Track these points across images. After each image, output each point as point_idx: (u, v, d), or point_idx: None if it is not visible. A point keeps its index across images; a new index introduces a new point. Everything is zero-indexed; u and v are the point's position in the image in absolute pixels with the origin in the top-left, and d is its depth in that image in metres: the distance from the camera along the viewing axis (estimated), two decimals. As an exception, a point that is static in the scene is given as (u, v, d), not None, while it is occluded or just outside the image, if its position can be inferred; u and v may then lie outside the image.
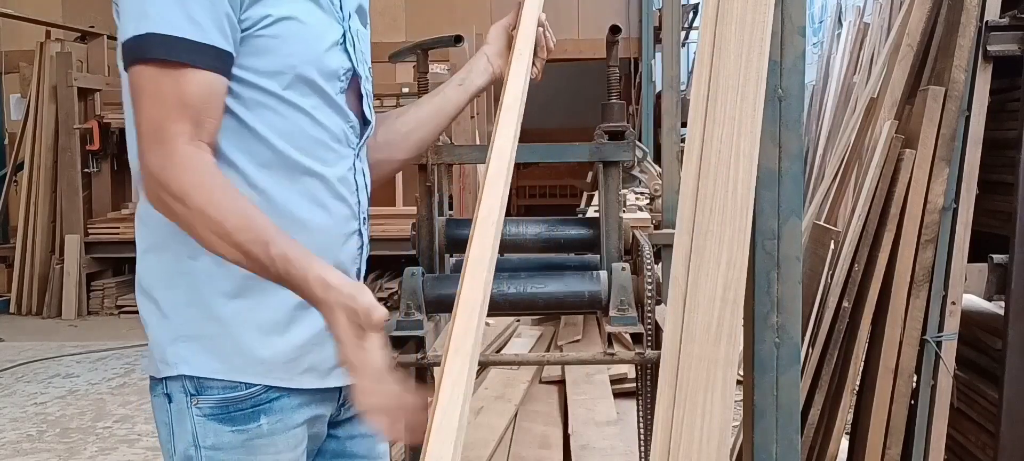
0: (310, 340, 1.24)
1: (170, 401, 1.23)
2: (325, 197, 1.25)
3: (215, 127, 1.13)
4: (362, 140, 1.33)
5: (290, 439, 1.25)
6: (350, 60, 1.26)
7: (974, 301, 2.62)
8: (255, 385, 1.21)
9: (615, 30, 1.88)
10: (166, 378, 1.22)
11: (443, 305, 1.78)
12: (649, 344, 1.74)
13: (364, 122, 1.33)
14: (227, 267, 1.17)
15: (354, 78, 1.28)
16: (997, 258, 2.29)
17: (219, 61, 1.11)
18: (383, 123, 1.46)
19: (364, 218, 1.34)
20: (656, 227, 3.86)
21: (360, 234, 1.33)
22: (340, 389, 1.32)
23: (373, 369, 1.06)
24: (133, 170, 1.23)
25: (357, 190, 1.31)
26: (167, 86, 1.08)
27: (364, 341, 1.05)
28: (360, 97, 1.31)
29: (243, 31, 1.14)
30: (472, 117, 7.53)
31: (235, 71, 1.15)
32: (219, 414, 1.20)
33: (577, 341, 4.64)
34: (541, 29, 1.47)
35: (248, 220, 1.08)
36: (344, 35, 1.26)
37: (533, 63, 1.42)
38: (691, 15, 8.76)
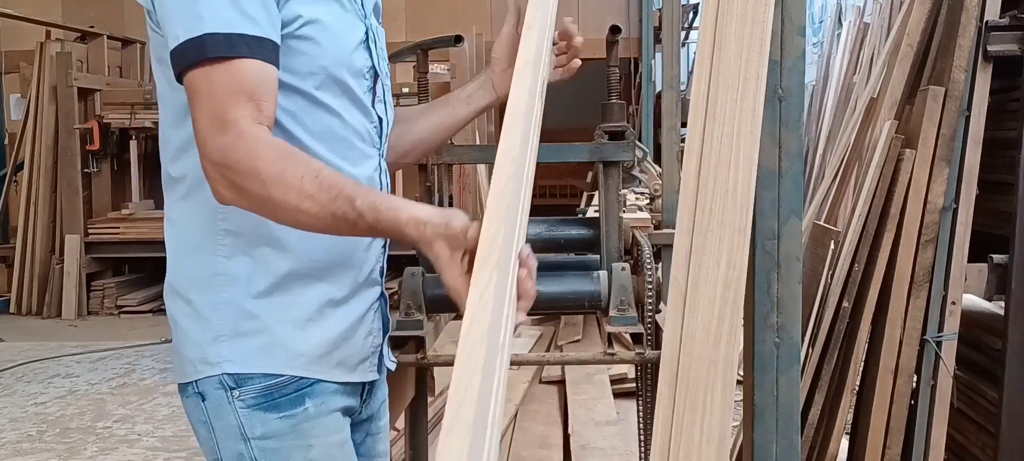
0: (339, 336, 1.25)
1: (204, 399, 1.22)
2: None
3: (274, 110, 1.12)
4: (383, 140, 1.34)
5: (334, 421, 1.26)
6: (371, 58, 1.28)
7: (974, 301, 2.62)
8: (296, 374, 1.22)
9: (615, 30, 1.88)
10: (198, 378, 1.22)
11: (443, 305, 1.78)
12: (649, 344, 1.74)
13: (383, 121, 1.34)
14: (260, 266, 1.19)
15: (376, 77, 1.30)
16: (997, 258, 2.29)
17: (272, 53, 1.11)
18: (393, 128, 1.47)
19: None
20: (656, 227, 3.86)
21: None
22: (363, 388, 1.33)
23: None
24: (164, 173, 1.24)
25: (381, 190, 1.31)
26: (222, 78, 1.07)
27: (466, 265, 1.02)
28: (375, 95, 1.32)
29: (283, 33, 1.15)
30: (472, 117, 7.52)
31: None
32: (264, 402, 1.20)
33: (577, 341, 4.64)
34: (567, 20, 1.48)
35: (326, 180, 1.06)
36: (366, 33, 1.27)
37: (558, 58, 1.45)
38: (691, 15, 8.76)
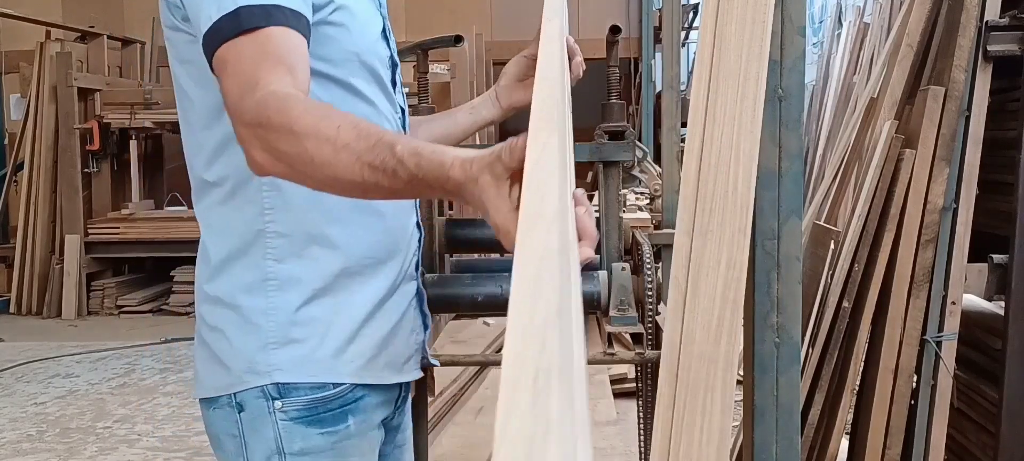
0: (388, 335, 1.23)
1: (242, 411, 1.16)
2: None
3: (308, 78, 1.04)
4: (405, 131, 1.33)
5: (372, 440, 1.24)
6: (390, 48, 1.28)
7: (974, 301, 2.62)
8: (343, 384, 1.18)
9: (615, 30, 1.88)
10: (240, 390, 1.17)
11: (443, 305, 1.78)
12: (649, 344, 1.74)
13: (404, 111, 1.33)
14: (311, 268, 1.16)
15: (395, 67, 1.29)
16: (997, 258, 2.29)
17: (306, 28, 1.06)
18: None
19: (416, 207, 1.34)
20: (656, 227, 3.86)
21: (419, 226, 1.33)
22: (399, 394, 1.31)
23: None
24: (197, 179, 1.20)
25: None
26: (251, 47, 1.01)
27: (514, 199, 0.92)
28: (396, 85, 1.31)
29: (315, 21, 1.11)
30: (472, 117, 7.52)
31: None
32: (308, 416, 1.15)
33: (577, 341, 4.63)
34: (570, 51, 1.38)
35: (364, 129, 0.96)
36: (383, 23, 1.27)
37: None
38: (691, 15, 8.76)
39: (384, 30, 1.27)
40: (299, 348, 1.16)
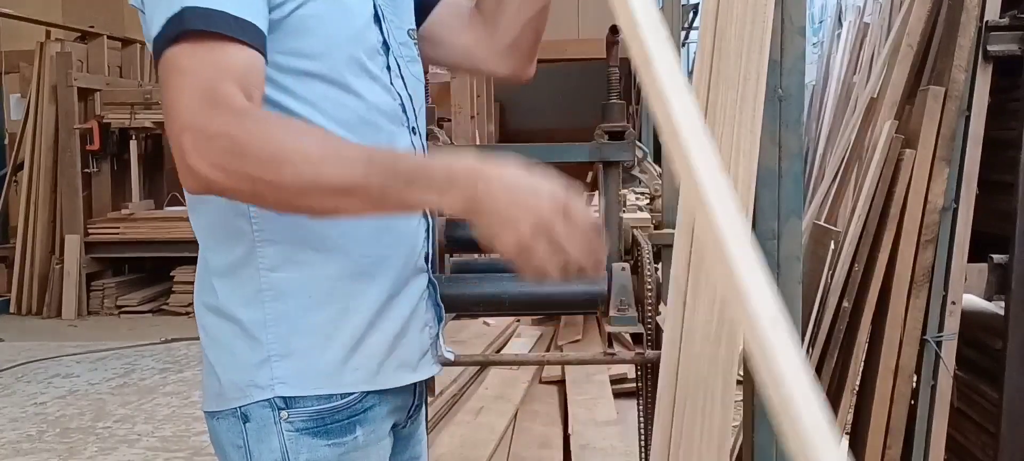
0: (398, 335, 1.18)
1: (247, 421, 1.12)
2: None
3: (261, 101, 1.01)
4: (412, 115, 1.24)
5: (381, 451, 1.20)
6: (382, 33, 1.19)
7: (974, 301, 2.62)
8: (352, 393, 1.14)
9: (615, 30, 1.88)
10: (243, 404, 1.13)
11: (443, 305, 1.77)
12: (649, 344, 1.74)
13: (403, 96, 1.24)
14: (308, 274, 1.11)
15: (388, 51, 1.20)
16: (997, 258, 2.29)
17: (258, 40, 1.01)
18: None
19: None
20: (656, 227, 3.85)
21: (426, 217, 1.25)
22: (412, 399, 1.27)
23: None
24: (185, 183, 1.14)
25: None
26: (208, 57, 0.96)
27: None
28: (392, 72, 1.22)
29: (285, 12, 1.06)
30: (472, 117, 7.53)
31: (283, 59, 1.07)
32: (314, 428, 1.12)
33: (577, 341, 4.64)
34: None
35: (332, 145, 0.93)
36: (375, 7, 1.18)
37: None
38: (691, 15, 8.75)
39: (376, 13, 1.18)
40: (301, 359, 1.12)
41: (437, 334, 1.27)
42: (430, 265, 1.27)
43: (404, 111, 1.21)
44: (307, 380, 1.12)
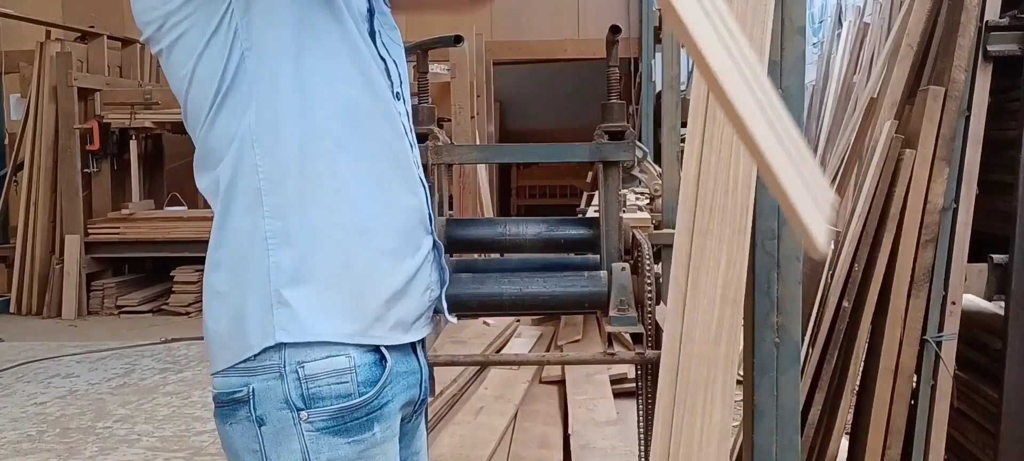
0: (400, 290, 1.18)
1: (262, 424, 1.12)
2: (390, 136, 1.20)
3: None
4: (397, 80, 1.25)
5: (396, 446, 1.21)
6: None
7: (974, 301, 2.62)
8: (368, 392, 1.14)
9: (615, 30, 1.88)
10: (254, 400, 1.12)
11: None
12: (649, 344, 1.74)
13: (387, 62, 1.25)
14: (315, 225, 1.13)
15: (372, 16, 1.23)
16: (997, 258, 2.29)
17: None
18: None
19: (417, 162, 1.28)
20: (656, 227, 3.86)
21: (421, 182, 1.26)
22: (419, 391, 1.27)
23: None
24: (197, 145, 1.16)
25: (406, 133, 1.24)
26: None
27: None
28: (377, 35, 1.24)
29: None
30: (472, 117, 7.53)
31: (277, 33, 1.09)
32: (334, 426, 1.12)
33: (577, 341, 4.64)
34: None
35: None
36: None
37: None
38: (691, 15, 8.73)
39: None
40: (302, 308, 1.12)
41: (438, 297, 1.28)
42: (433, 226, 1.28)
43: (388, 76, 1.23)
44: (306, 327, 1.12)
